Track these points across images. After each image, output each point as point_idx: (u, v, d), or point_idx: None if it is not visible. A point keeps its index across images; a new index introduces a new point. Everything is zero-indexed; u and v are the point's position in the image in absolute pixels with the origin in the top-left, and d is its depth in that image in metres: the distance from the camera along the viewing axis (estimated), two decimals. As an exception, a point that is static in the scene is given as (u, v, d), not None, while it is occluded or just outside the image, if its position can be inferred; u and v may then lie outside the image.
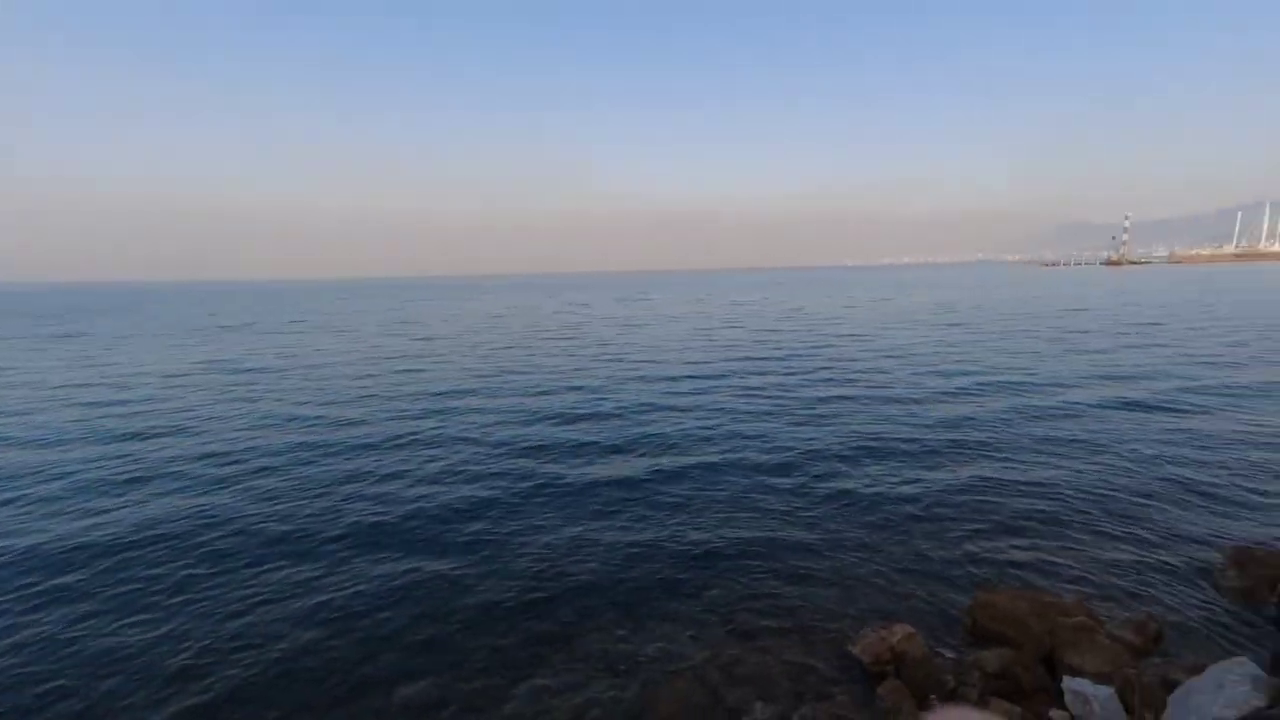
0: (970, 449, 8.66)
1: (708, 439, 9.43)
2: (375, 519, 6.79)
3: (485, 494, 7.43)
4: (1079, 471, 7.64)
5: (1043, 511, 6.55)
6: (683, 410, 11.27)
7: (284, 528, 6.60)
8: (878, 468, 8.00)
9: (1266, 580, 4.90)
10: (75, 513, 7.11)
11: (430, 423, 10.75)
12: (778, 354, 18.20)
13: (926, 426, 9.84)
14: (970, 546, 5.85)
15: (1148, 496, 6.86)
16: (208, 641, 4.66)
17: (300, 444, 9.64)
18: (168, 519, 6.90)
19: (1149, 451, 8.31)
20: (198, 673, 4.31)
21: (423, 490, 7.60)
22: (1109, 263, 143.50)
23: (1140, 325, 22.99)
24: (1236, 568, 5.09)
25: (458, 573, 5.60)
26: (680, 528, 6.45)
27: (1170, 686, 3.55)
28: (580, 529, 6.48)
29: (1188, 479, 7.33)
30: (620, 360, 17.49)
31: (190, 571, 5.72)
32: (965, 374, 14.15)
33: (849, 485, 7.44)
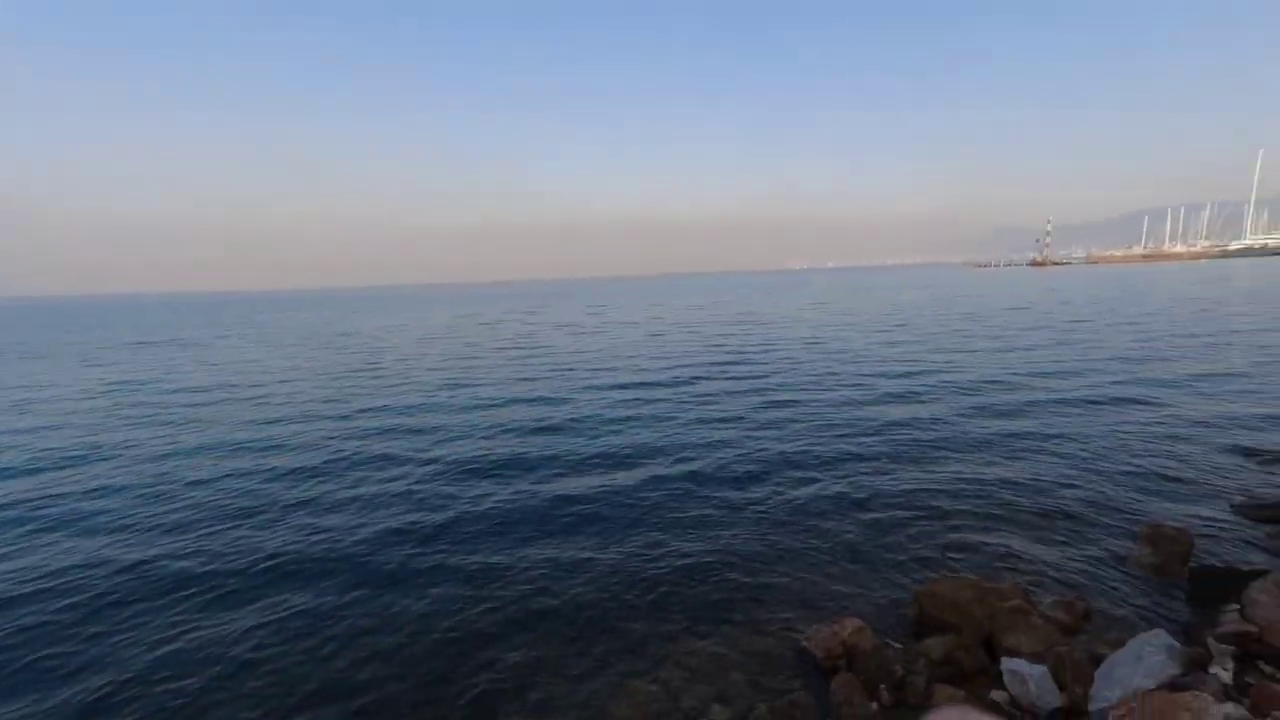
0: (911, 447, 9.00)
1: (658, 447, 9.42)
2: (306, 550, 6.27)
3: (431, 516, 7.05)
4: (1012, 464, 8.07)
5: (980, 503, 6.88)
6: (634, 419, 11.18)
7: (197, 565, 6.01)
8: (825, 468, 8.19)
9: (1177, 556, 5.30)
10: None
11: (371, 443, 10.20)
12: (727, 359, 18.34)
13: (870, 426, 10.17)
14: (915, 540, 6.08)
15: (1073, 485, 7.31)
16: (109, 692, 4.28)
17: (223, 472, 8.93)
18: (57, 564, 6.14)
19: (1073, 442, 8.86)
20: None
21: (360, 517, 7.10)
22: (1034, 264, 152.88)
23: (1070, 322, 24.50)
24: (1151, 546, 5.48)
25: (402, 603, 5.28)
26: (634, 537, 6.43)
27: (1097, 661, 3.79)
28: (531, 544, 6.37)
29: (1107, 467, 7.85)
30: (571, 370, 17.26)
31: (89, 627, 5.09)
32: (907, 374, 14.68)
33: (798, 487, 7.59)
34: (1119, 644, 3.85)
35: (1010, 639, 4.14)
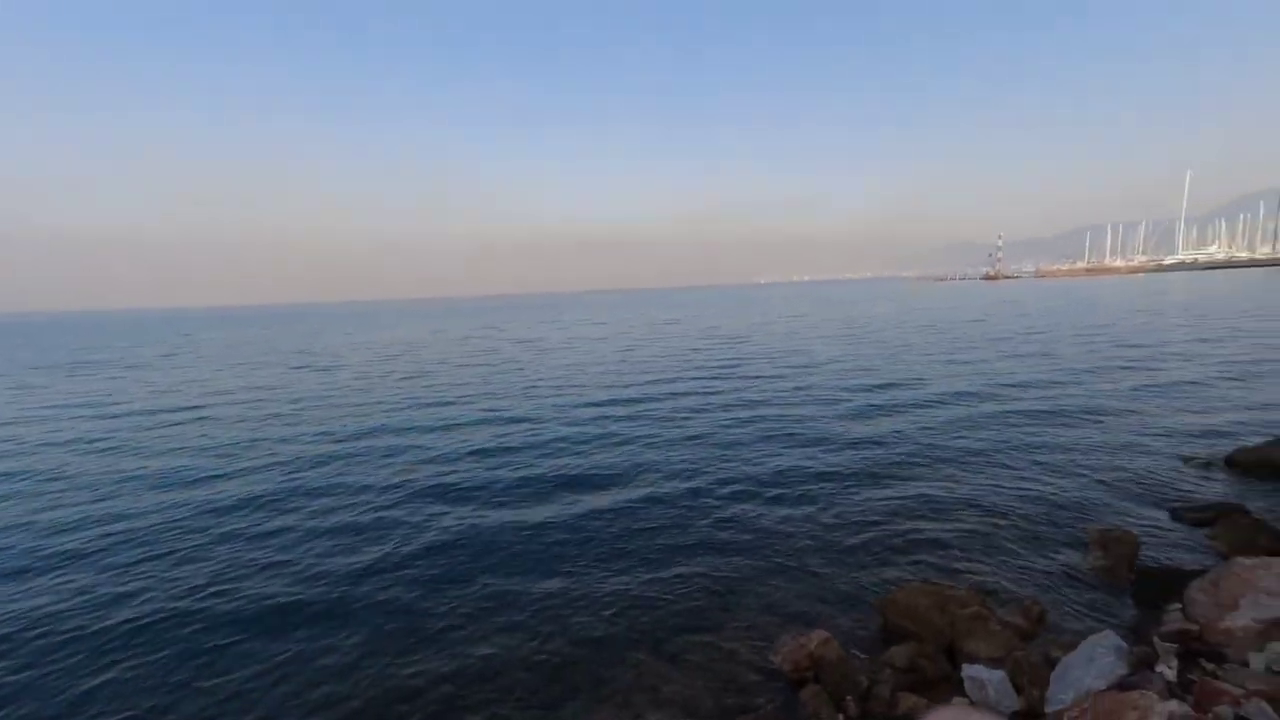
0: (871, 460, 9.17)
1: (620, 467, 9.32)
2: (256, 590, 5.83)
3: (385, 548, 6.68)
4: (969, 475, 8.30)
5: (940, 512, 7.05)
6: (596, 438, 11.01)
7: (135, 613, 5.49)
8: (786, 483, 8.25)
9: (1124, 559, 5.53)
10: None
11: (329, 469, 9.70)
12: (693, 375, 18.29)
13: (831, 440, 10.31)
14: (879, 550, 6.19)
15: (1026, 493, 7.57)
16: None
17: (165, 503, 8.35)
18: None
19: (1025, 452, 9.19)
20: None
21: (307, 551, 6.69)
22: (987, 277, 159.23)
23: (1023, 334, 25.52)
24: (1100, 549, 5.71)
25: (348, 642, 4.98)
26: (594, 557, 6.37)
27: (1052, 663, 3.91)
28: (490, 565, 6.26)
29: (1056, 475, 8.17)
30: (535, 387, 17.08)
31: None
32: (868, 388, 14.96)
33: (761, 502, 7.62)
34: (1072, 646, 3.98)
35: (970, 645, 4.24)
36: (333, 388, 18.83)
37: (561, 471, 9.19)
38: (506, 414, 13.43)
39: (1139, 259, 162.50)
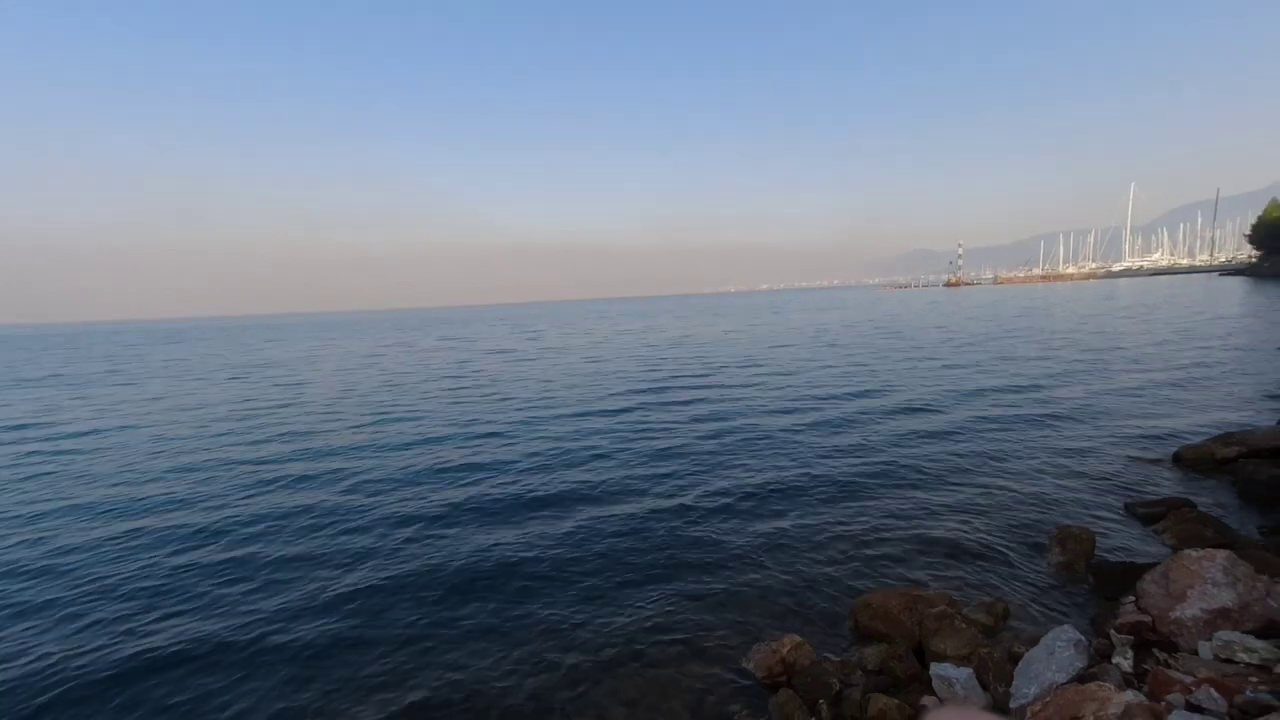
0: (839, 465, 9.32)
1: (593, 481, 9.24)
2: (199, 629, 5.35)
3: (354, 576, 6.29)
4: (935, 478, 8.50)
5: (909, 516, 7.18)
6: (566, 454, 10.79)
7: (63, 660, 5.04)
8: (756, 490, 8.30)
9: (1082, 554, 5.72)
10: None
11: (288, 495, 9.11)
12: (658, 386, 18.20)
13: (797, 446, 10.44)
14: (849, 556, 6.26)
15: (989, 493, 7.79)
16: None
17: (107, 535, 7.73)
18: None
19: (986, 455, 9.47)
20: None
21: (267, 584, 6.24)
22: (949, 284, 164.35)
23: (984, 340, 26.33)
24: (1060, 546, 5.90)
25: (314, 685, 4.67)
26: (566, 566, 6.33)
27: (1015, 659, 4.00)
28: (466, 586, 6.13)
29: (1018, 476, 8.44)
30: (507, 400, 16.81)
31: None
32: (835, 396, 15.16)
33: (732, 512, 7.64)
34: (1035, 641, 4.08)
35: (938, 644, 4.31)
36: (292, 403, 18.28)
37: (529, 487, 9.06)
38: (473, 429, 13.13)
39: (1090, 266, 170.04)
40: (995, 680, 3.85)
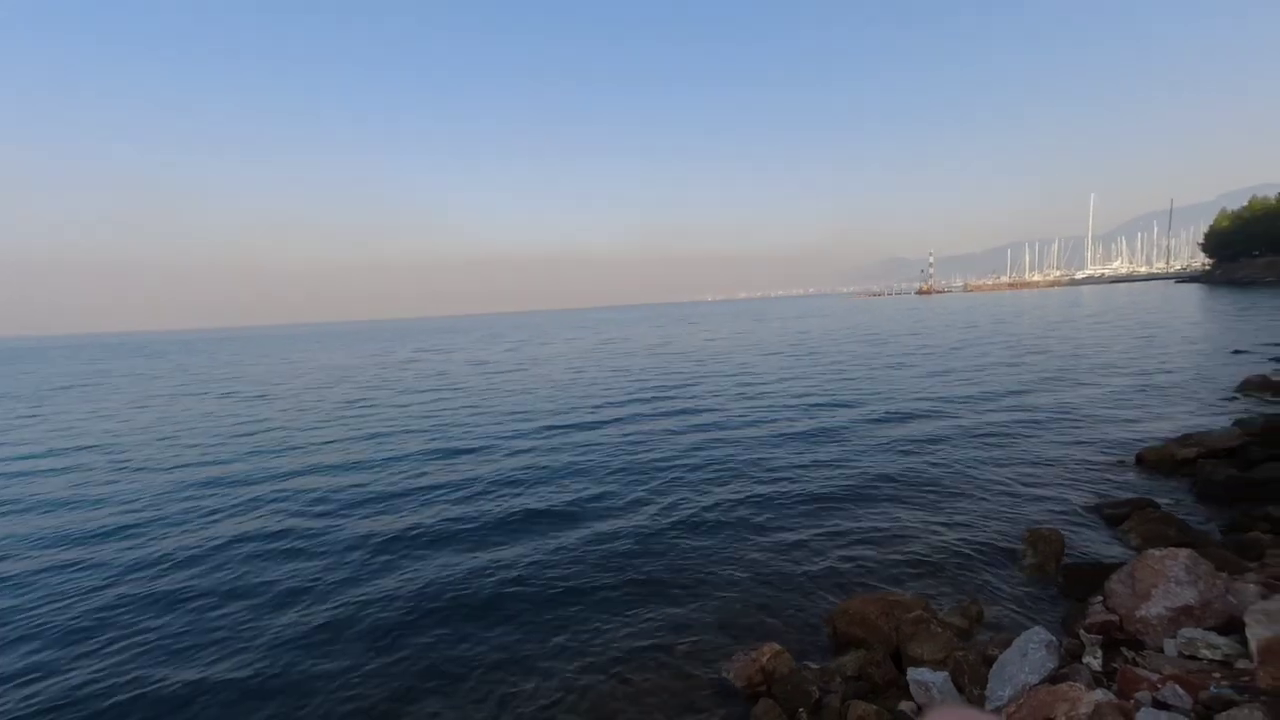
0: (815, 473, 9.39)
1: (572, 492, 9.19)
2: (170, 673, 4.98)
3: (334, 610, 5.90)
4: (909, 484, 8.60)
5: (885, 524, 7.24)
6: (544, 464, 10.74)
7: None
8: (736, 502, 8.28)
9: (1052, 556, 5.84)
10: None
11: (254, 516, 8.68)
12: (636, 397, 18.12)
13: (777, 457, 10.45)
14: (827, 563, 6.29)
15: (961, 498, 7.93)
16: None
17: (52, 564, 7.24)
18: None
19: (958, 460, 9.64)
20: None
21: (232, 620, 5.82)
22: (921, 292, 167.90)
23: (954, 349, 26.88)
24: (1031, 548, 6.01)
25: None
26: (545, 576, 6.27)
27: (989, 662, 4.05)
28: (446, 598, 6.03)
29: (988, 480, 8.59)
30: (482, 413, 16.53)
31: None
32: (811, 406, 15.28)
33: (711, 522, 7.62)
34: (1008, 643, 4.14)
35: (914, 649, 4.34)
36: (260, 419, 17.83)
37: (502, 500, 8.96)
38: (452, 443, 12.87)
39: (1055, 274, 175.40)
40: (971, 683, 3.90)
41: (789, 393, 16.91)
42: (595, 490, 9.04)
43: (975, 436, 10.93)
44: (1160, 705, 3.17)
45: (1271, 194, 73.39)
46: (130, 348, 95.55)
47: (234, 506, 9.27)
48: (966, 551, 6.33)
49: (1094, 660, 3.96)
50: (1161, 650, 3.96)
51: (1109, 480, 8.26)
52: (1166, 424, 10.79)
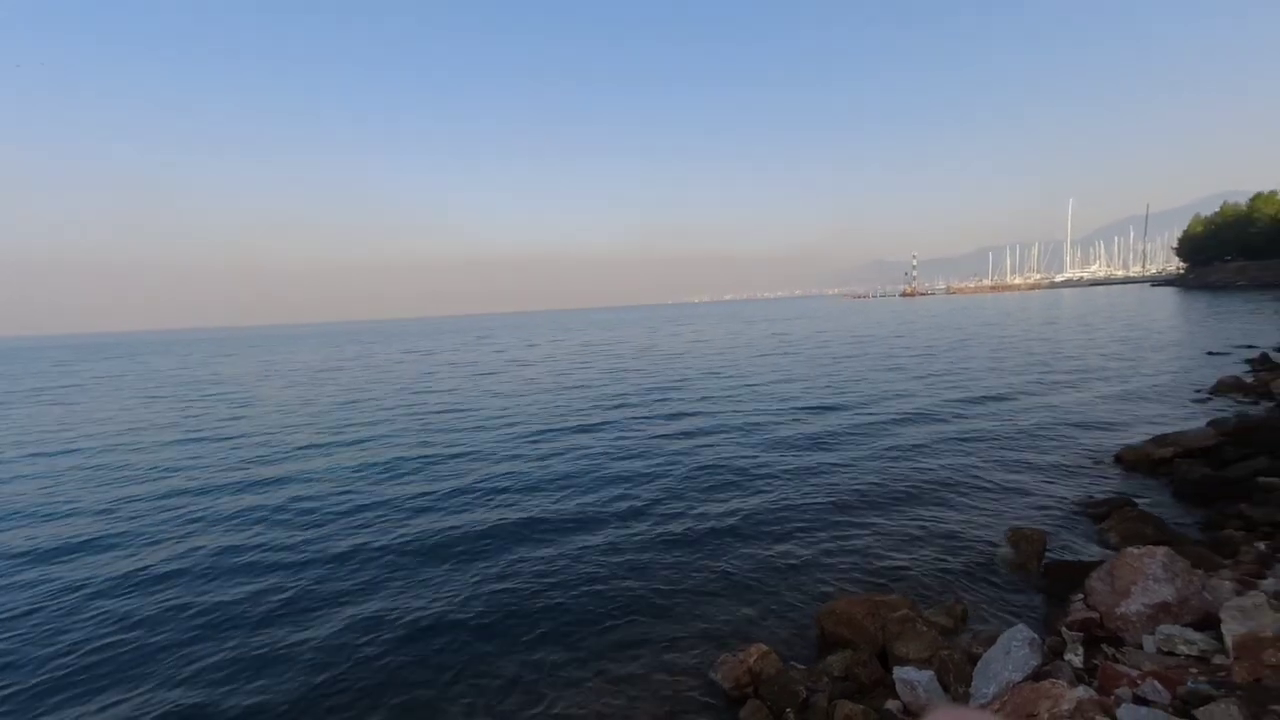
0: (801, 474, 9.45)
1: (553, 486, 9.24)
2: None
3: (323, 626, 5.68)
4: (894, 485, 8.66)
5: (870, 525, 7.30)
6: (533, 465, 10.72)
7: None
8: (721, 500, 8.33)
9: (1034, 554, 5.93)
10: None
11: (230, 530, 8.25)
12: (624, 398, 18.12)
13: (763, 460, 10.48)
14: (813, 564, 6.32)
15: (945, 497, 8.03)
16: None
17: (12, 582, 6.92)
18: None
19: (941, 460, 9.76)
20: None
21: (225, 619, 5.74)
22: (904, 294, 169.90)
23: (939, 350, 27.20)
24: (1013, 546, 6.10)
25: None
26: (531, 579, 6.24)
27: (974, 660, 4.10)
28: (431, 602, 5.95)
29: (972, 480, 8.70)
30: (470, 413, 16.46)
31: None
32: (797, 408, 15.27)
33: (698, 524, 7.62)
34: (992, 641, 4.19)
35: (900, 648, 4.38)
36: (240, 423, 17.54)
37: (490, 500, 8.93)
38: (436, 450, 12.57)
39: (1035, 277, 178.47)
40: (956, 681, 3.93)
41: (776, 395, 16.98)
42: (578, 491, 9.02)
43: (958, 438, 11.07)
44: (1140, 701, 3.22)
45: (1243, 200, 75.36)
46: (123, 347, 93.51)
47: (194, 520, 8.89)
48: (951, 551, 6.40)
49: (1075, 657, 4.03)
50: (1141, 647, 4.04)
51: (1089, 479, 8.41)
52: (1144, 424, 11.01)
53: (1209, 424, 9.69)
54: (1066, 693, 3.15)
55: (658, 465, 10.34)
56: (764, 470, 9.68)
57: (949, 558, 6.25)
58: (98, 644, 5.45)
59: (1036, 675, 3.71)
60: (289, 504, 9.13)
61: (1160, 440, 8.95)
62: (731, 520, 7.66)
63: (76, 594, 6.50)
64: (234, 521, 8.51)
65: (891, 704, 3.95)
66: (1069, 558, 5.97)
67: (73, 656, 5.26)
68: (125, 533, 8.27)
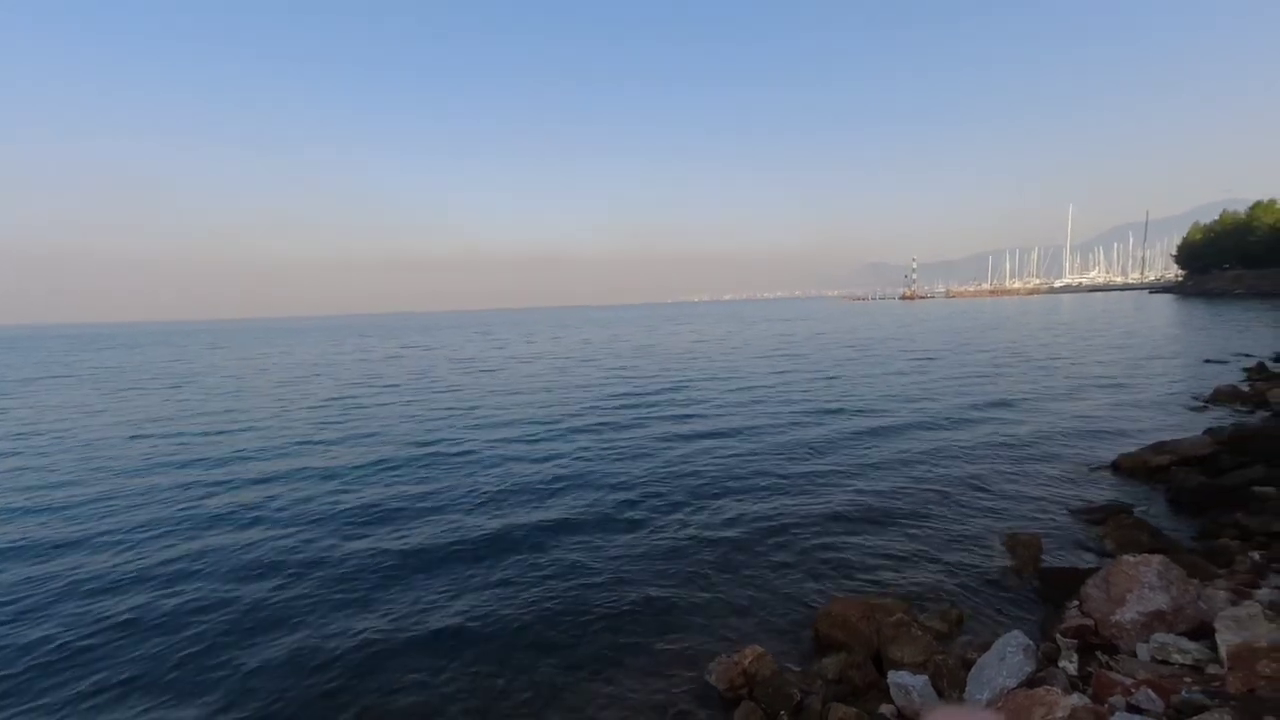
0: (797, 477, 9.42)
1: (548, 486, 9.22)
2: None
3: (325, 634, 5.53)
4: (891, 488, 8.65)
5: (867, 528, 7.30)
6: (531, 463, 10.69)
7: None
8: (720, 506, 8.27)
9: (1030, 560, 5.94)
10: None
11: (230, 531, 7.97)
12: (623, 394, 18.17)
13: (757, 458, 10.50)
14: (809, 567, 6.32)
15: (943, 502, 8.01)
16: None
17: (28, 577, 6.73)
18: None
19: (939, 465, 9.75)
20: None
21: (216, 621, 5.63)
22: (904, 297, 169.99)
23: (937, 354, 27.22)
24: (1010, 553, 6.11)
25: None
26: (525, 581, 6.22)
27: (968, 665, 4.10)
28: (426, 605, 5.94)
29: (969, 484, 8.69)
30: (469, 410, 16.40)
31: None
32: (798, 410, 15.23)
33: (694, 525, 7.60)
34: (987, 646, 4.20)
35: (895, 652, 4.38)
36: (223, 415, 17.50)
37: (487, 498, 8.93)
38: (434, 446, 12.54)
39: (1034, 282, 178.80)
40: (950, 686, 3.93)
41: (775, 397, 16.96)
42: (577, 495, 8.97)
43: (956, 443, 11.06)
44: (1134, 709, 3.23)
45: (1242, 208, 75.55)
46: (82, 340, 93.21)
47: (183, 519, 8.76)
48: (947, 555, 6.41)
49: (1070, 664, 4.03)
50: (1135, 655, 4.04)
51: (1086, 485, 8.42)
52: (1141, 431, 11.03)
53: (1206, 432, 9.72)
54: (1061, 700, 3.15)
55: (655, 467, 10.32)
56: (761, 473, 9.66)
57: (945, 562, 6.25)
58: (74, 644, 5.36)
59: (1031, 682, 3.71)
60: (280, 501, 9.11)
61: (1157, 448, 8.96)
62: (728, 522, 7.65)
63: (53, 589, 6.48)
64: (224, 520, 8.46)
65: (885, 708, 3.95)
66: (1065, 564, 5.97)
67: (45, 653, 5.22)
68: (111, 530, 8.21)
